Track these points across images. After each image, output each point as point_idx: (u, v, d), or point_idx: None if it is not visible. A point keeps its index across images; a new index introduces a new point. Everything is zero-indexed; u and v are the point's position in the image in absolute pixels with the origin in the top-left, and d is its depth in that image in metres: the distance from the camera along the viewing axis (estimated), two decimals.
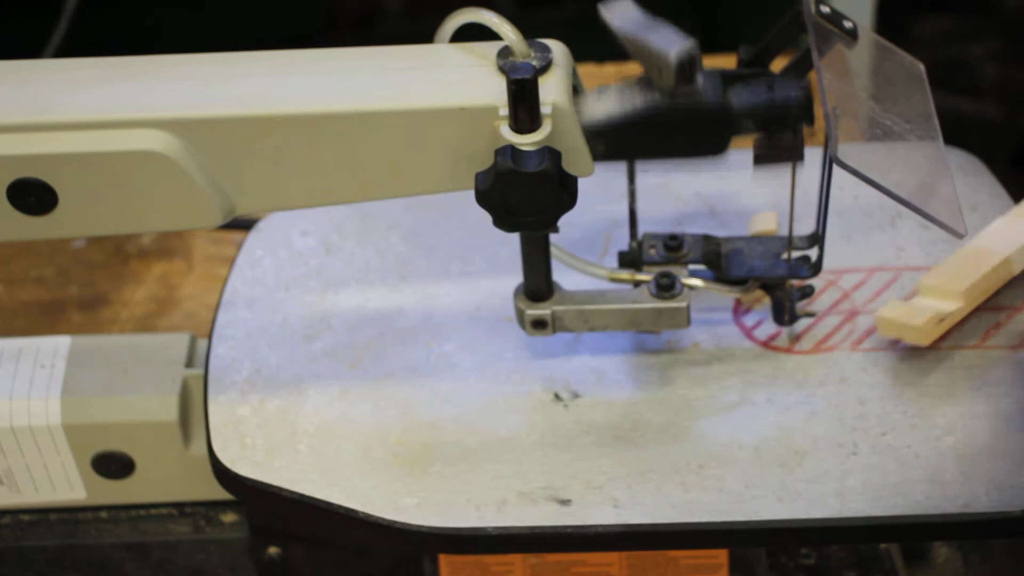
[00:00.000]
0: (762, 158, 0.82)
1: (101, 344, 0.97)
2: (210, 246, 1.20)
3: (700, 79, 0.78)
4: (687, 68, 0.77)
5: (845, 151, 0.78)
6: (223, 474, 0.87)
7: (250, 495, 0.86)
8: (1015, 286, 0.93)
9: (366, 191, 0.83)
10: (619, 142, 0.80)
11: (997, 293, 0.92)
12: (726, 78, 0.80)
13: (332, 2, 2.00)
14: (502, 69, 0.78)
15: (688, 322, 0.88)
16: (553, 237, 0.86)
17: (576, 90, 0.81)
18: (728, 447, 0.86)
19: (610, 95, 0.80)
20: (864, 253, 0.96)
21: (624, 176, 0.92)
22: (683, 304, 0.87)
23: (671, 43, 0.77)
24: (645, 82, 0.79)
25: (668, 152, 0.83)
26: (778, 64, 0.85)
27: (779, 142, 0.81)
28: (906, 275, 0.94)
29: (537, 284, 0.87)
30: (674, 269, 0.89)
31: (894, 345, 0.90)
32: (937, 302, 0.90)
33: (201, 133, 0.79)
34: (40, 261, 1.20)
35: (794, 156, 0.81)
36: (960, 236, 0.80)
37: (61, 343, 0.96)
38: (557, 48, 0.80)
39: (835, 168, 0.79)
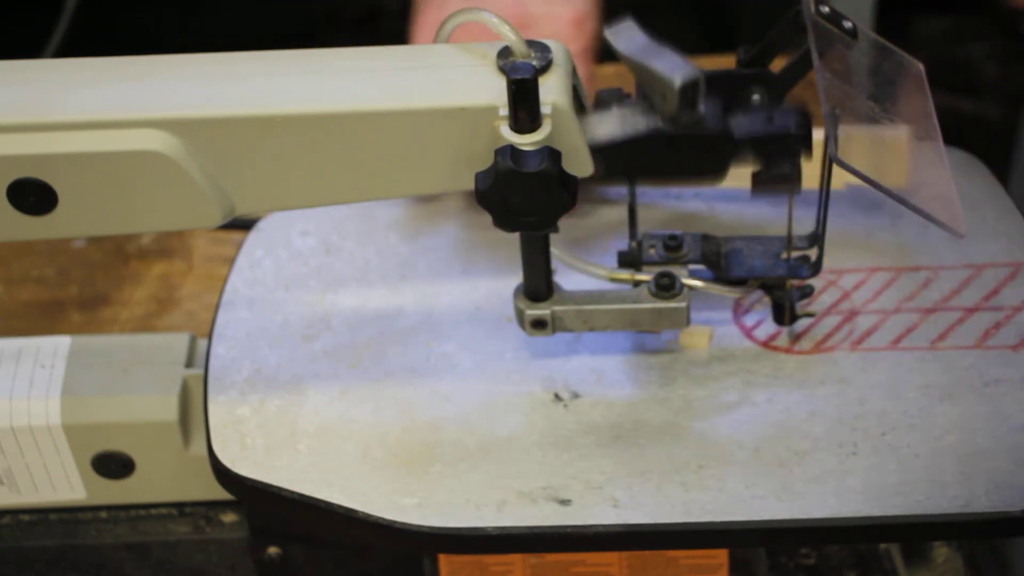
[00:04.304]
0: (759, 186, 0.82)
1: (101, 344, 0.97)
2: (210, 246, 1.20)
3: (703, 107, 0.79)
4: (691, 95, 0.78)
5: (845, 151, 0.78)
6: (223, 474, 0.87)
7: (250, 495, 0.86)
8: (1016, 286, 0.93)
9: (366, 191, 0.83)
10: (619, 163, 0.80)
11: (996, 293, 0.93)
12: (727, 107, 0.80)
13: (332, 2, 2.00)
14: (502, 69, 0.78)
15: (688, 322, 0.88)
16: (553, 237, 0.86)
17: (576, 91, 0.81)
18: (728, 447, 0.86)
19: (612, 117, 0.80)
20: (864, 253, 0.96)
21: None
22: (683, 304, 0.87)
23: (675, 70, 0.77)
24: (647, 105, 0.79)
25: (667, 175, 0.83)
26: (778, 64, 0.85)
27: (777, 171, 0.81)
28: (906, 275, 0.94)
29: (537, 284, 0.87)
30: (674, 269, 0.89)
31: (894, 345, 0.90)
32: None
33: (201, 133, 0.79)
34: (40, 261, 1.20)
35: (791, 183, 0.81)
36: (960, 236, 0.80)
37: (61, 343, 0.96)
38: (557, 48, 0.80)
39: (835, 168, 0.79)
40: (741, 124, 0.80)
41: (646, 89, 0.79)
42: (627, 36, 0.78)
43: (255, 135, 0.79)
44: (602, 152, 0.80)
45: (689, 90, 0.78)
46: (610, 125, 0.80)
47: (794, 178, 0.81)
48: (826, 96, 0.79)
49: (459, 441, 0.87)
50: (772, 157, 0.80)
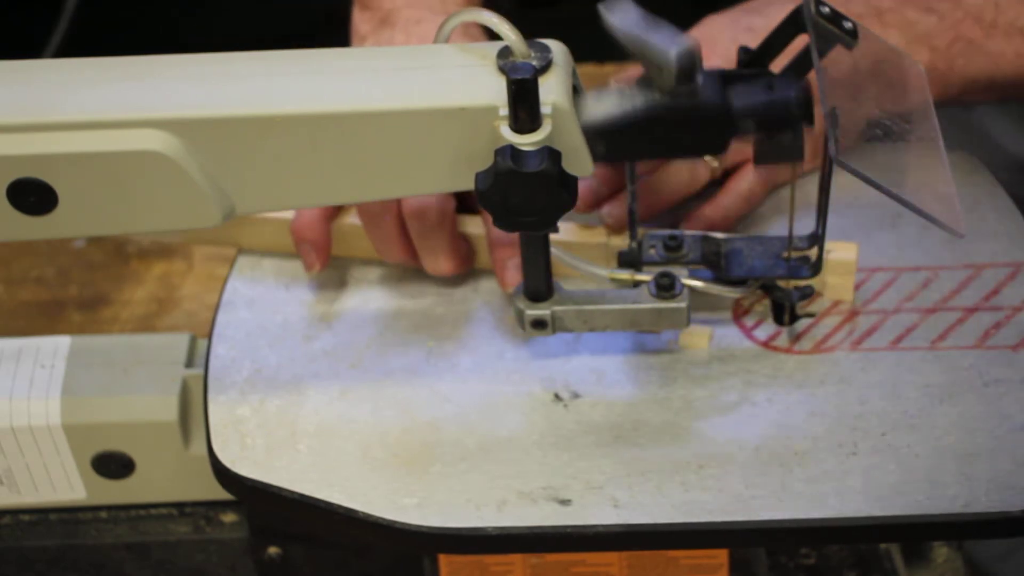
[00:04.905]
0: (762, 157, 0.82)
1: (101, 344, 0.97)
2: (210, 246, 1.20)
3: (700, 79, 0.78)
4: (687, 67, 0.77)
5: (845, 151, 0.78)
6: (223, 474, 0.87)
7: (250, 495, 0.86)
8: (1016, 286, 0.93)
9: (366, 191, 0.83)
10: (619, 142, 0.80)
11: (996, 293, 0.93)
12: (726, 78, 0.80)
13: (332, 2, 2.00)
14: (502, 69, 0.78)
15: (688, 322, 0.88)
16: (553, 237, 0.86)
17: (576, 90, 0.80)
18: (728, 447, 0.86)
19: (610, 95, 0.80)
20: (864, 253, 0.96)
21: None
22: (683, 304, 0.87)
23: (671, 42, 0.77)
24: (645, 82, 0.79)
25: (668, 152, 0.83)
26: (778, 64, 0.85)
27: (779, 142, 0.81)
28: (906, 275, 0.94)
29: (537, 284, 0.87)
30: (674, 269, 0.89)
31: (894, 345, 0.90)
32: None
33: (201, 133, 0.79)
34: (40, 261, 1.20)
35: (794, 155, 0.81)
36: (960, 236, 0.80)
37: (61, 343, 0.96)
38: (557, 48, 0.80)
39: (835, 168, 0.79)
40: (740, 94, 0.79)
41: (643, 64, 0.78)
42: (621, 12, 0.77)
43: (255, 135, 0.79)
44: (601, 132, 0.79)
45: (686, 62, 0.77)
46: (608, 104, 0.79)
47: (796, 148, 0.80)
48: (826, 96, 0.79)
49: (459, 441, 0.87)
50: (773, 127, 0.80)
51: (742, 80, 0.80)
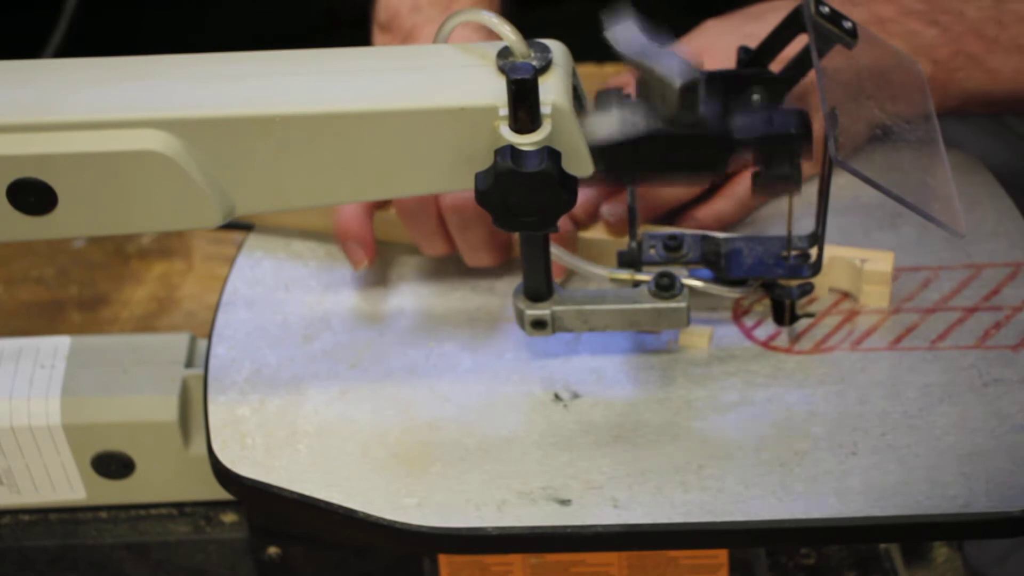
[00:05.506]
0: (760, 187, 0.82)
1: (101, 344, 0.97)
2: (210, 246, 1.20)
3: (702, 108, 0.79)
4: (690, 97, 0.78)
5: (844, 151, 0.78)
6: (223, 474, 0.87)
7: (250, 495, 0.86)
8: (1016, 286, 0.93)
9: (366, 191, 0.83)
10: (618, 161, 0.80)
11: (996, 293, 0.93)
12: (727, 106, 0.80)
13: (332, 2, 2.00)
14: (502, 69, 0.78)
15: (688, 322, 0.88)
16: (553, 236, 0.86)
17: (576, 90, 0.81)
18: (728, 447, 0.86)
19: (612, 119, 0.80)
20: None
21: None
22: (683, 304, 0.87)
23: (676, 70, 0.77)
24: (647, 106, 0.79)
25: (667, 175, 0.83)
26: (777, 64, 0.85)
27: (777, 172, 0.81)
28: (906, 275, 0.94)
29: (537, 284, 0.87)
30: (674, 269, 0.89)
31: (894, 345, 0.90)
32: None
33: (201, 133, 0.79)
34: (40, 261, 1.20)
35: (791, 186, 0.81)
36: (960, 236, 0.80)
37: (61, 343, 0.96)
38: (557, 48, 0.80)
39: (835, 168, 0.79)
40: (741, 125, 0.80)
41: (646, 90, 0.79)
42: (627, 36, 0.77)
43: (255, 135, 0.79)
44: (602, 152, 0.80)
45: (689, 91, 0.78)
46: (610, 126, 0.80)
47: (794, 179, 0.81)
48: (826, 96, 0.79)
49: (459, 441, 0.87)
50: (772, 158, 0.80)
51: (742, 109, 0.81)
